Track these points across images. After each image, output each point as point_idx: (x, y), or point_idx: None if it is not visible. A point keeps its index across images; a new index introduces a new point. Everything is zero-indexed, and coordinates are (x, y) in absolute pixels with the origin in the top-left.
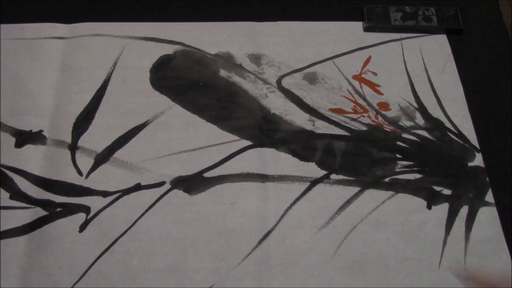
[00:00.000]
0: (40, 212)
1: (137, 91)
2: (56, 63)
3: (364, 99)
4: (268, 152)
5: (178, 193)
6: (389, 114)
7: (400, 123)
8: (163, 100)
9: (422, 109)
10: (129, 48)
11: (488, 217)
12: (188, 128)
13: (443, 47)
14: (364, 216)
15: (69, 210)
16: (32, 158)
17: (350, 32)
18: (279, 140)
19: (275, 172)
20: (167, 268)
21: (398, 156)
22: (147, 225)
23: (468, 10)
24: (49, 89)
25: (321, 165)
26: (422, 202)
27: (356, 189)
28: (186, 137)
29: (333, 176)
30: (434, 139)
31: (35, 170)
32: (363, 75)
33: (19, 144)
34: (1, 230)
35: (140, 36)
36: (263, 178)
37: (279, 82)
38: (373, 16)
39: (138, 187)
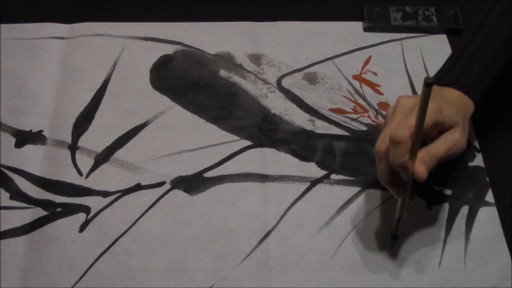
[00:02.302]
0: (40, 212)
1: (137, 91)
2: (56, 63)
3: (364, 99)
4: (268, 152)
5: (178, 193)
6: None
7: None
8: (163, 100)
9: None
10: (129, 48)
11: (488, 217)
12: (188, 128)
13: (443, 47)
14: (364, 216)
15: (69, 210)
16: (32, 158)
17: (350, 32)
18: (279, 140)
19: (275, 172)
20: (167, 268)
21: None
22: (147, 225)
23: (468, 10)
24: (49, 89)
25: (321, 165)
26: (422, 202)
27: (356, 189)
28: (186, 137)
29: (333, 176)
30: None
31: (35, 170)
32: (363, 75)
33: (19, 144)
34: (1, 230)
35: (140, 36)
36: (263, 178)
37: (279, 82)
38: (373, 16)
39: (138, 187)
